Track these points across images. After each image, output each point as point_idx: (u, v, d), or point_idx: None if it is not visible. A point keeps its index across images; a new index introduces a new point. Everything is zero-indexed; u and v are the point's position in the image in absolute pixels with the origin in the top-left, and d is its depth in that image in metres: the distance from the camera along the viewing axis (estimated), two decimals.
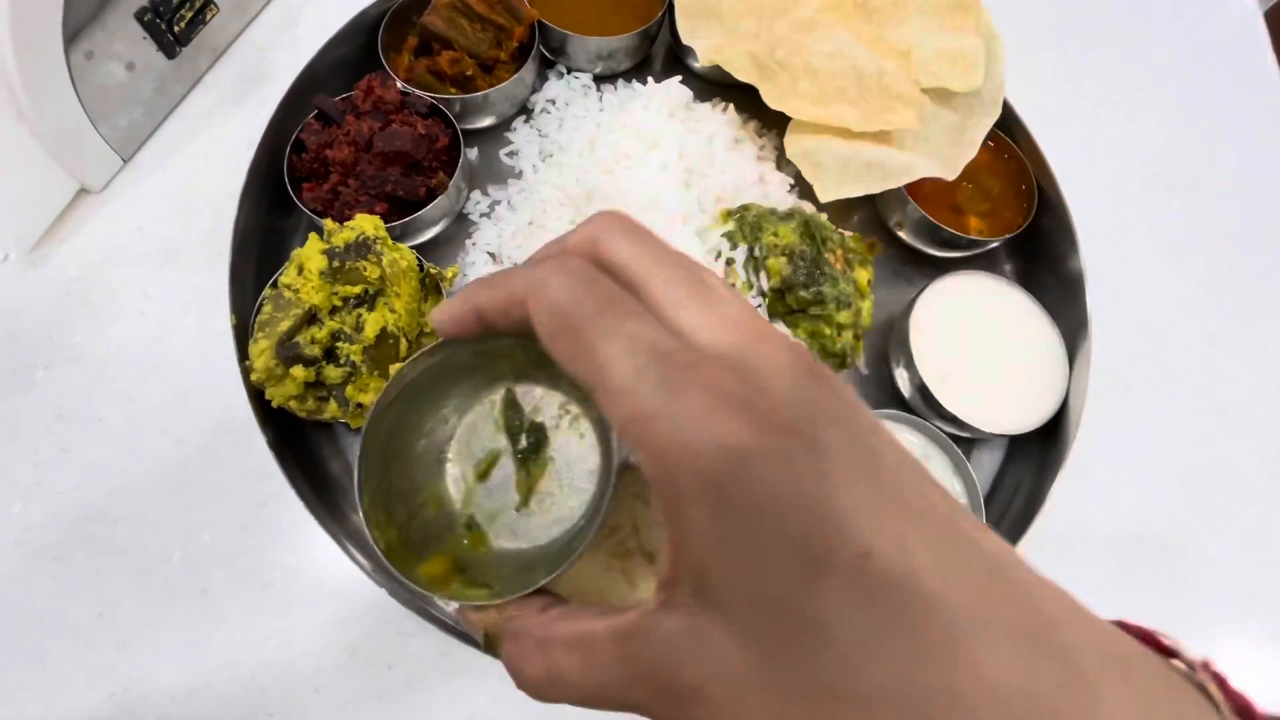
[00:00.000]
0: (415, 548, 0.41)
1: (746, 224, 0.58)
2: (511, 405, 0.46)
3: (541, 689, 0.24)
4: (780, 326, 0.58)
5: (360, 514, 0.37)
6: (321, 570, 0.55)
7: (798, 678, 0.20)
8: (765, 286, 0.57)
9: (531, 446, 0.45)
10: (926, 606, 0.20)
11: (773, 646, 0.20)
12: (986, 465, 0.61)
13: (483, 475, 0.45)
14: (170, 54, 0.67)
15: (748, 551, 0.20)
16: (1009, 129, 0.67)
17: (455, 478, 0.45)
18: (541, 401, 0.46)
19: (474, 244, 0.65)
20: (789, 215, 0.58)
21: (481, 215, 0.66)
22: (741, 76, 0.63)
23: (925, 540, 0.20)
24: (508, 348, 0.43)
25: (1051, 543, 0.59)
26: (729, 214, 0.60)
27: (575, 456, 0.45)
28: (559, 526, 0.43)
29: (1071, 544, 0.60)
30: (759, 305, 0.58)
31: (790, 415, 0.21)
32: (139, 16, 0.62)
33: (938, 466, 0.56)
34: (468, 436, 0.45)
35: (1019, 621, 0.20)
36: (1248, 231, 0.74)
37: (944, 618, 0.19)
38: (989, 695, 0.19)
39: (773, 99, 0.62)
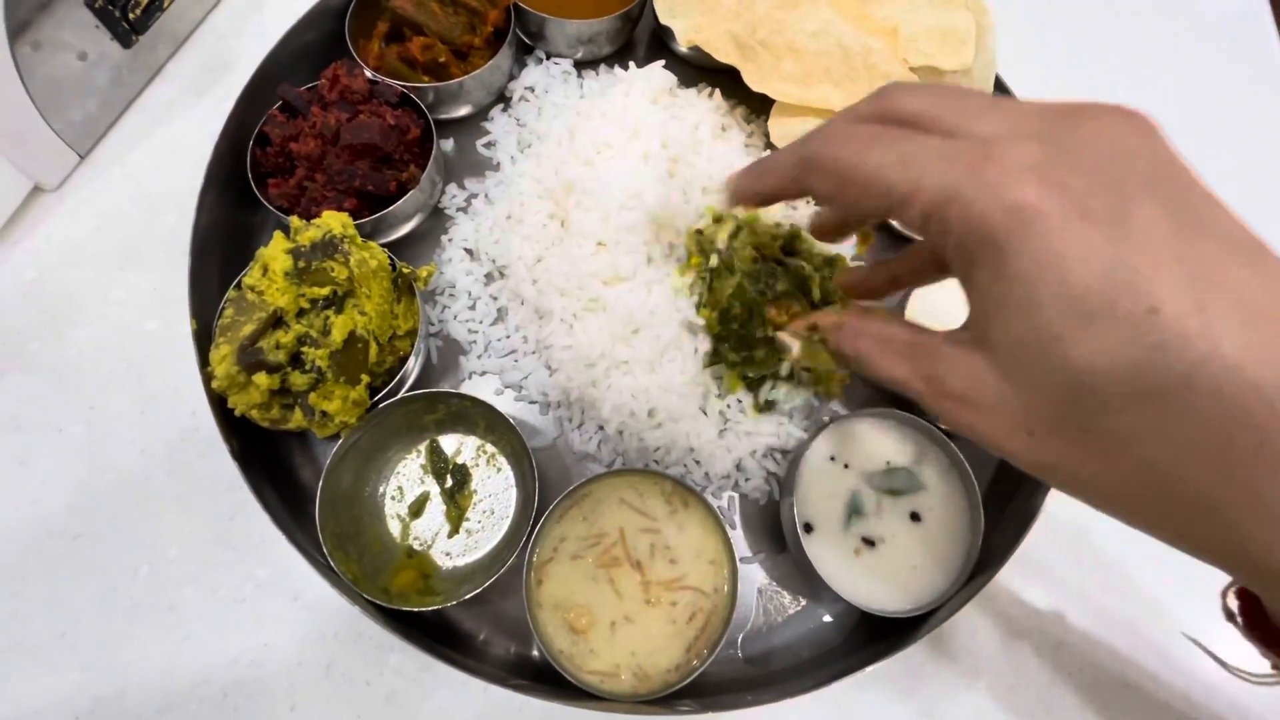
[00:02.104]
0: (371, 576, 0.50)
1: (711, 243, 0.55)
2: (435, 452, 0.55)
3: (851, 363, 0.34)
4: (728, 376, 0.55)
5: (327, 554, 0.48)
6: (295, 584, 0.53)
7: (1049, 410, 0.24)
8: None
9: (457, 484, 0.54)
10: (1222, 368, 0.21)
11: (1030, 383, 0.25)
12: (985, 463, 0.59)
13: (417, 513, 0.54)
14: (126, 43, 0.63)
15: (1020, 306, 0.24)
16: None
17: (394, 517, 0.54)
18: (462, 445, 0.55)
19: (450, 239, 0.62)
20: (732, 271, 0.54)
21: (458, 209, 0.64)
22: (721, 57, 0.60)
23: (1233, 313, 0.21)
24: (431, 405, 0.53)
25: (1053, 541, 0.57)
26: (717, 217, 0.56)
27: (497, 488, 0.55)
28: (489, 544, 0.54)
29: (1073, 541, 0.58)
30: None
31: (1097, 178, 0.23)
32: (90, 3, 0.59)
33: (935, 465, 0.54)
34: (401, 484, 0.55)
35: None
36: (1252, 214, 0.72)
37: (1241, 383, 0.21)
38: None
39: (754, 80, 0.59)
